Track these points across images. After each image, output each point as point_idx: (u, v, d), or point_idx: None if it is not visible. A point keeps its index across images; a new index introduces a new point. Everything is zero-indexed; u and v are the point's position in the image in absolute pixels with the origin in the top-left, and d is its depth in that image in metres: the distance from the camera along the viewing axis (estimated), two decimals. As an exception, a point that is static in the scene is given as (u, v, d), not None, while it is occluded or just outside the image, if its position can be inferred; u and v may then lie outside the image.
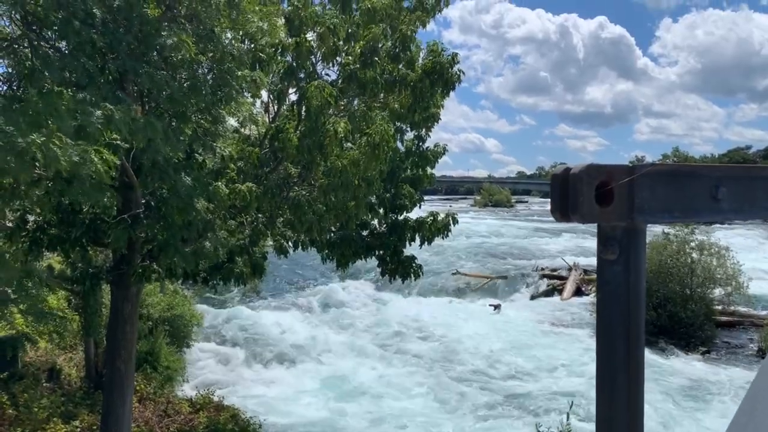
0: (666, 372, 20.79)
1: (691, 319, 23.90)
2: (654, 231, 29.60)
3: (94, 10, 6.26)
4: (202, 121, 8.39)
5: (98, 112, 5.44)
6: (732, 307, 26.48)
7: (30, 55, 7.03)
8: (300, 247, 11.33)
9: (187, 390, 16.37)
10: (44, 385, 12.87)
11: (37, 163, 4.96)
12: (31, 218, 8.81)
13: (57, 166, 4.85)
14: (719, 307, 25.81)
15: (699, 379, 20.33)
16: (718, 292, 25.45)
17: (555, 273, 36.59)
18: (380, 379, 19.74)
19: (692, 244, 25.36)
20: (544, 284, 34.79)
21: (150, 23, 6.90)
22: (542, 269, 37.63)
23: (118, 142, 6.41)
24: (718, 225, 48.52)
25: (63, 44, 7.13)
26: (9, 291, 6.38)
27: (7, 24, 7.84)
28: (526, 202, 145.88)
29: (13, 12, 6.97)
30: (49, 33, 7.21)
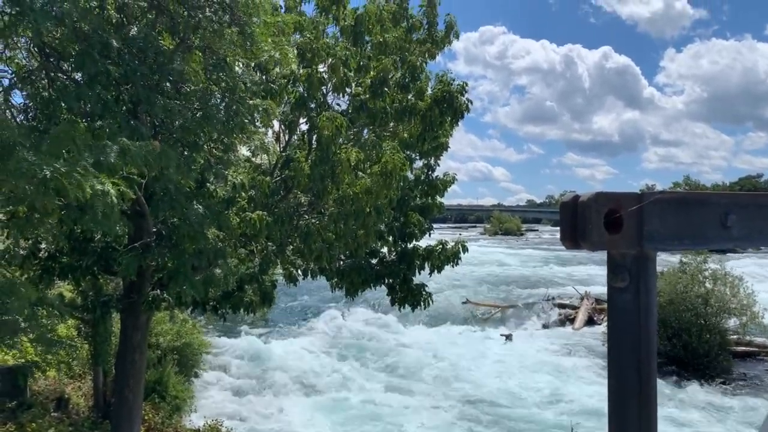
0: (681, 403, 20.38)
1: (706, 350, 23.51)
2: (669, 261, 29.38)
3: (110, 42, 6.40)
4: (214, 149, 8.50)
5: (115, 147, 5.53)
6: (747, 337, 26.05)
7: (47, 85, 7.19)
8: (309, 276, 11.32)
9: (195, 420, 16.22)
10: (52, 414, 12.80)
11: (51, 191, 5.02)
12: (42, 246, 8.88)
13: (79, 195, 4.90)
14: (734, 337, 25.41)
15: (715, 410, 19.89)
16: (732, 322, 25.06)
17: (566, 302, 36.28)
18: (390, 409, 19.47)
19: (705, 273, 25.09)
20: (555, 314, 34.46)
21: (164, 54, 7.04)
22: (553, 298, 37.33)
23: (135, 176, 6.49)
24: (730, 254, 48.09)
25: (79, 75, 7.28)
26: (20, 320, 6.40)
27: (25, 56, 8.04)
28: (537, 230, 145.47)
29: (31, 44, 7.15)
30: (65, 65, 7.38)
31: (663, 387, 21.55)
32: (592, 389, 21.25)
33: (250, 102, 7.81)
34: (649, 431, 1.22)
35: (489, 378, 22.96)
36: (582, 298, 35.55)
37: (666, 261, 29.55)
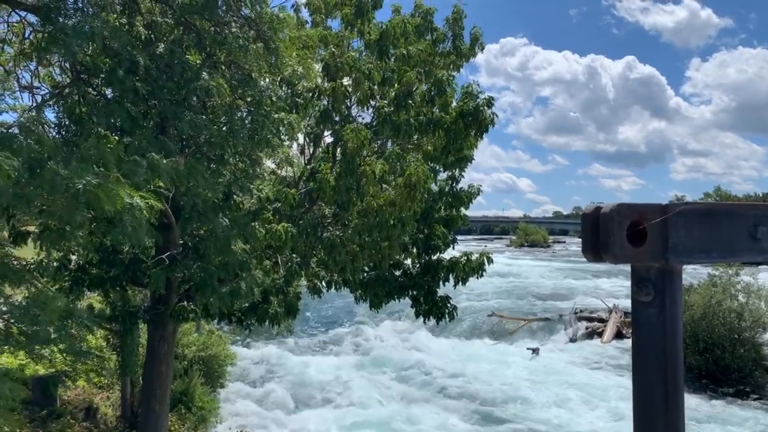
0: (712, 420, 19.83)
1: (740, 365, 22.89)
2: (699, 274, 28.75)
3: (138, 59, 6.54)
4: (240, 163, 8.59)
5: (144, 162, 5.63)
6: (784, 353, 25.28)
7: (79, 101, 7.36)
8: (333, 287, 11.33)
9: (220, 431, 16.30)
10: (81, 424, 12.97)
11: (83, 204, 5.10)
12: (73, 258, 9.06)
13: (112, 207, 4.98)
14: (770, 352, 24.69)
15: (750, 427, 19.29)
16: (767, 336, 24.39)
17: (594, 315, 35.69)
18: (415, 423, 19.31)
19: (738, 286, 24.48)
20: (583, 327, 33.89)
21: (191, 69, 7.17)
22: (581, 312, 36.74)
23: (163, 189, 6.60)
24: (764, 266, 46.79)
25: (109, 91, 7.45)
26: (50, 330, 6.54)
27: (58, 73, 8.26)
28: (564, 242, 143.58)
29: (63, 61, 7.34)
30: (96, 81, 7.56)
31: (694, 402, 21.01)
32: (621, 404, 20.80)
33: (275, 116, 7.89)
34: (676, 450, 1.18)
35: (516, 393, 22.63)
36: (610, 312, 34.94)
37: (698, 274, 28.93)
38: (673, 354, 1.18)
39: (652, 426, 1.18)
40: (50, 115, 8.04)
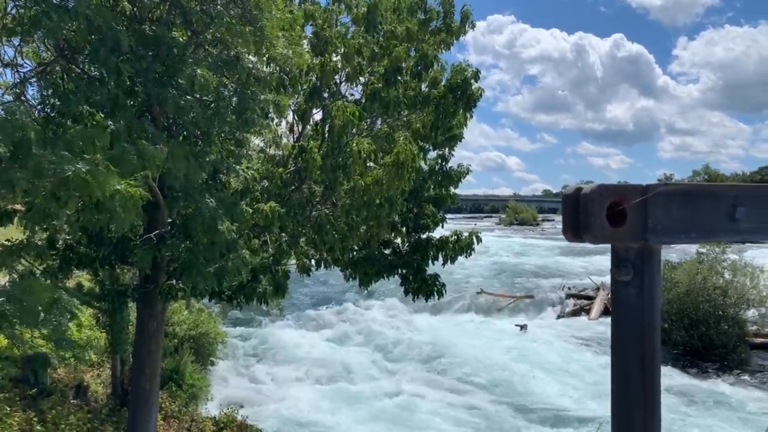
0: (695, 394, 20.22)
1: (723, 341, 23.31)
2: (687, 251, 29.05)
3: (122, 38, 6.42)
4: (226, 142, 8.52)
5: (133, 150, 5.55)
6: (767, 329, 25.76)
7: (63, 78, 7.24)
8: (323, 266, 11.34)
9: (211, 408, 16.42)
10: (71, 401, 13.01)
11: (72, 190, 5.02)
12: (60, 237, 8.99)
13: (101, 194, 4.91)
14: (753, 329, 25.14)
15: (733, 401, 19.71)
16: (751, 313, 24.82)
17: (582, 293, 36.10)
18: (405, 400, 19.56)
19: (724, 263, 24.82)
20: (571, 304, 34.31)
21: (177, 47, 7.05)
22: (569, 289, 37.13)
23: (149, 176, 6.53)
24: (750, 244, 47.39)
25: (94, 69, 7.32)
26: (35, 319, 6.51)
27: (42, 50, 8.10)
28: (553, 220, 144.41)
29: (46, 39, 7.20)
30: (80, 57, 7.42)
31: (678, 377, 21.41)
32: (606, 380, 21.15)
33: (262, 97, 7.81)
34: (652, 426, 1.21)
35: (504, 368, 22.94)
36: (598, 289, 35.37)
37: (687, 251, 29.23)
38: (651, 332, 1.20)
39: (629, 401, 1.21)
40: (34, 92, 7.89)
